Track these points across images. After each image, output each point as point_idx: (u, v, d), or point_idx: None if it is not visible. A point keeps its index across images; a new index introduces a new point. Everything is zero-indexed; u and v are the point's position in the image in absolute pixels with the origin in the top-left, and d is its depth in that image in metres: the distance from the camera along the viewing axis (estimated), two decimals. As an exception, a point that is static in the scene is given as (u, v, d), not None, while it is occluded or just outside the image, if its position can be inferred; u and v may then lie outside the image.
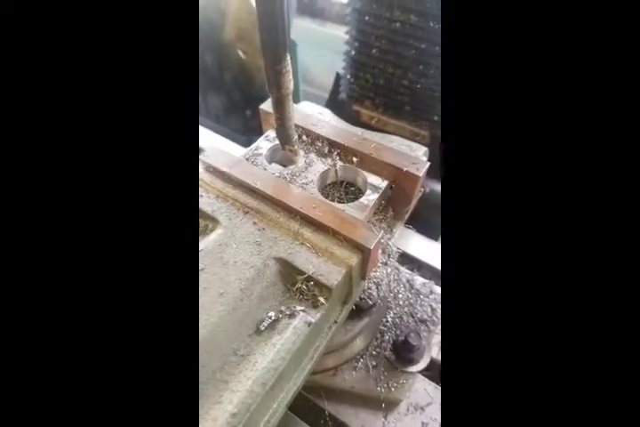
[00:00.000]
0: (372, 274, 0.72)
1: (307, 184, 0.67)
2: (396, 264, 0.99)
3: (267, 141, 0.74)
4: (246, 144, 1.20)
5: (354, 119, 1.32)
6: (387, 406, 0.90)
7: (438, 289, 1.05)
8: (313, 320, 0.54)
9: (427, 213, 0.93)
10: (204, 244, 0.58)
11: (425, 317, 0.99)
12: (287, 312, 0.54)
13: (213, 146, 0.69)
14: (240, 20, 1.61)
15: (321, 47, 1.65)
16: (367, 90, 1.25)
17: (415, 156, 0.71)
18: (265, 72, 0.55)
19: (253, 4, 0.55)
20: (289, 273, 0.57)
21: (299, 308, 0.54)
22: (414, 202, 0.74)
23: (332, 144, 0.71)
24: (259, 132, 0.79)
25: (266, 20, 0.48)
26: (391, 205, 0.74)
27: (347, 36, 1.18)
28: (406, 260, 1.15)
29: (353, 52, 1.19)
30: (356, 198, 0.68)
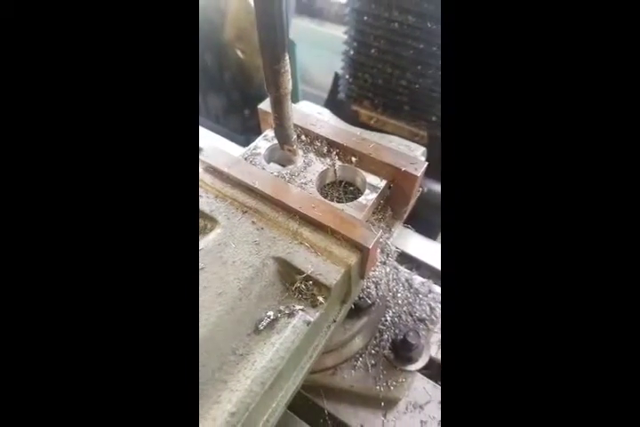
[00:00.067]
0: (370, 273, 0.72)
1: (305, 184, 0.67)
2: (395, 263, 0.99)
3: (265, 141, 0.74)
4: (244, 144, 1.19)
5: (353, 119, 1.32)
6: (386, 404, 0.90)
7: (437, 288, 1.06)
8: (312, 319, 0.54)
9: (425, 213, 0.93)
10: (203, 243, 0.58)
11: (424, 316, 0.99)
12: (286, 311, 0.54)
13: (212, 145, 0.69)
14: (239, 19, 1.60)
15: (320, 47, 1.65)
16: (366, 90, 1.25)
17: (413, 156, 0.71)
18: (263, 72, 0.55)
19: (252, 3, 0.55)
20: (288, 272, 0.57)
21: (298, 307, 0.54)
22: (413, 202, 0.75)
23: (331, 144, 0.71)
24: (257, 131, 0.79)
25: (264, 20, 0.48)
26: (390, 205, 0.74)
27: (345, 36, 1.18)
28: (405, 259, 1.15)
29: (352, 52, 1.19)
30: (355, 198, 0.68)
